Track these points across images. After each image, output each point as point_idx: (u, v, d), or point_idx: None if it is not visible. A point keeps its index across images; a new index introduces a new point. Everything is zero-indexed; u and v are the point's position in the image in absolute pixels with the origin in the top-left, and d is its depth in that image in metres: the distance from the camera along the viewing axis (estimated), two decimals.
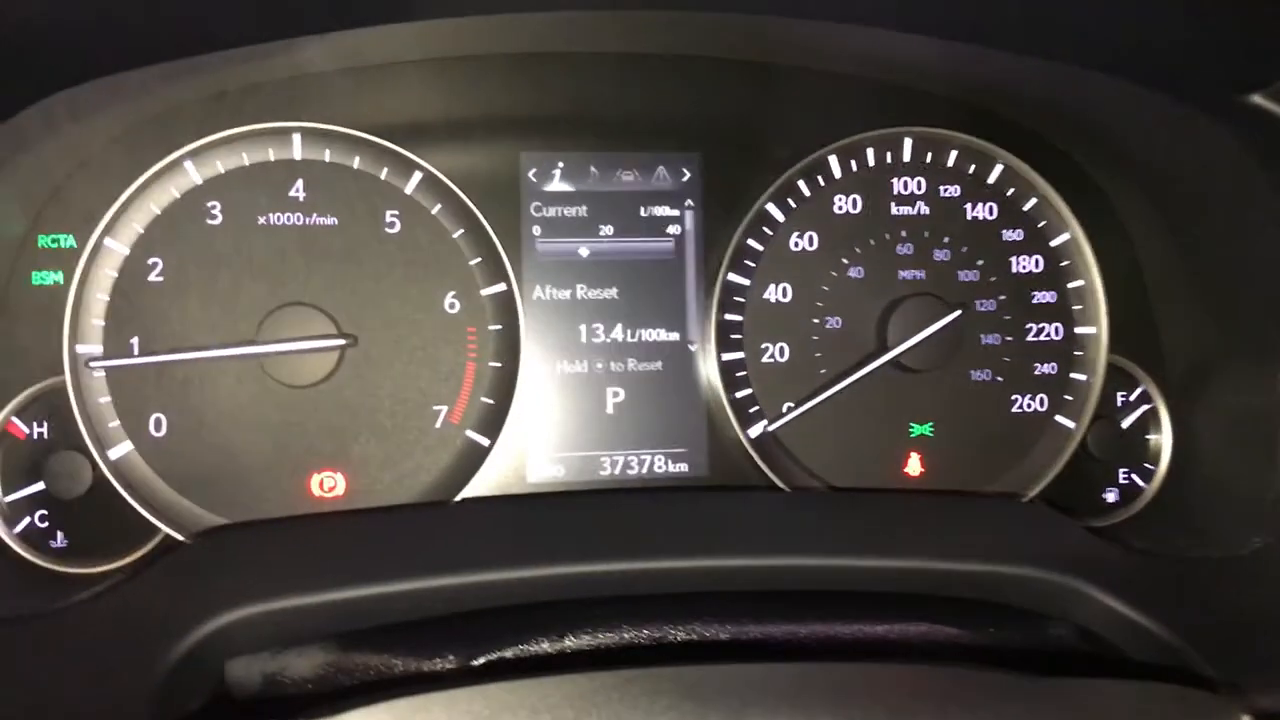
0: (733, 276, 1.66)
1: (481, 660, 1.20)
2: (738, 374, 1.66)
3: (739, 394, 1.66)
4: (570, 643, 1.23)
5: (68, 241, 1.53)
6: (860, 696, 0.97)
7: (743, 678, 0.98)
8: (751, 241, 1.67)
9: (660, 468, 1.67)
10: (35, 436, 1.52)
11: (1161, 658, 1.18)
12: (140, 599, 1.23)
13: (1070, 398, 1.73)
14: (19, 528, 1.51)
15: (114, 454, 1.52)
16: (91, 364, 1.50)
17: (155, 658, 1.08)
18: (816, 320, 1.68)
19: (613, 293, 1.66)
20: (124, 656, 1.11)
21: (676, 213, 1.68)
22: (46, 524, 1.52)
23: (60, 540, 1.53)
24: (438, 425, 1.60)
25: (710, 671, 0.99)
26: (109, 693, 1.05)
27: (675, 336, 1.68)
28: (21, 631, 1.19)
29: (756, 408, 1.67)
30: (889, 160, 1.71)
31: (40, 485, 1.51)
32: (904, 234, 1.69)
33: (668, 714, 0.90)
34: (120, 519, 1.52)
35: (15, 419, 1.51)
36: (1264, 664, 1.14)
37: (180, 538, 1.52)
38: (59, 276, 1.52)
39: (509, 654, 1.21)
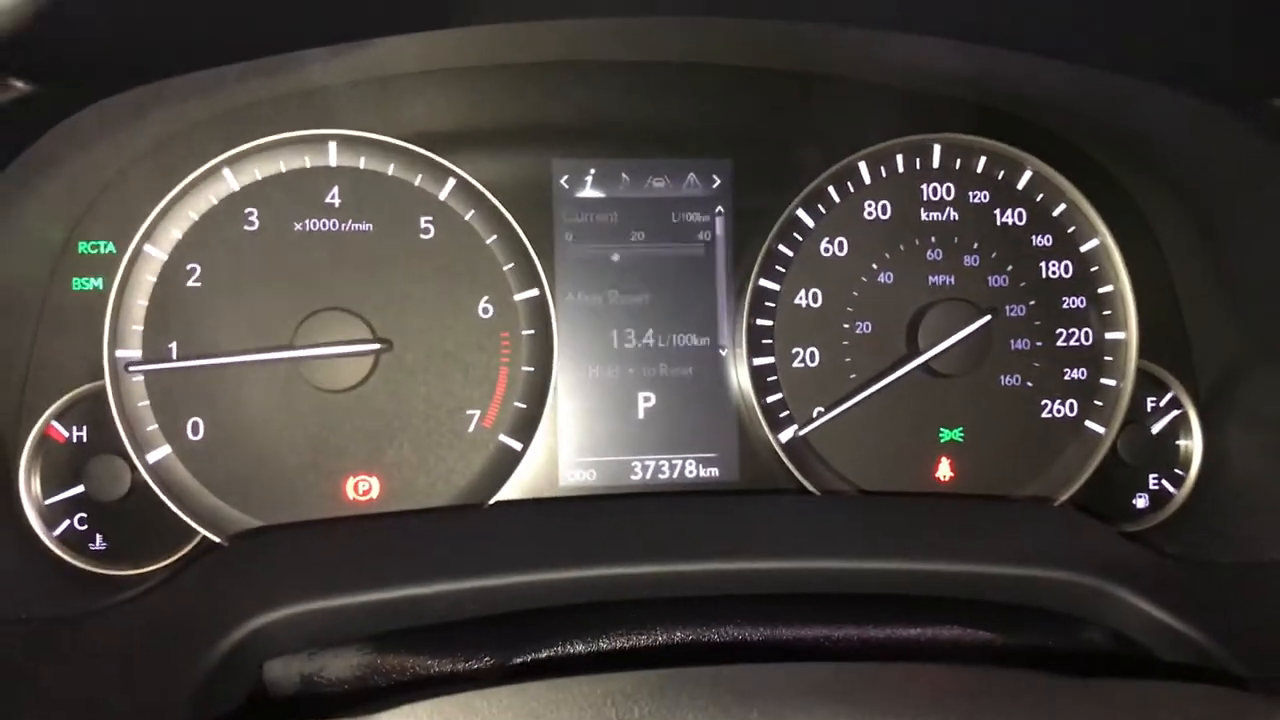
0: (764, 282, 1.67)
1: (517, 661, 1.22)
2: (769, 379, 1.67)
3: (770, 399, 1.67)
4: (605, 644, 1.25)
5: (108, 248, 1.55)
6: (896, 694, 0.97)
7: (781, 676, 0.98)
8: (782, 247, 1.68)
9: (691, 472, 1.68)
10: (75, 440, 1.54)
11: (1194, 661, 1.18)
12: (179, 600, 1.25)
13: (1100, 403, 1.72)
14: (59, 530, 1.53)
15: (152, 457, 1.54)
16: (131, 368, 1.52)
17: (194, 658, 1.10)
18: (847, 325, 1.68)
19: (644, 298, 1.67)
20: (163, 657, 1.12)
21: (707, 218, 1.69)
22: (86, 526, 1.54)
23: (100, 543, 1.55)
24: (471, 429, 1.61)
25: (749, 670, 0.99)
26: (148, 693, 1.07)
27: (706, 341, 1.69)
28: (62, 632, 1.21)
29: (787, 412, 1.67)
30: (918, 166, 1.71)
31: (80, 488, 1.53)
32: (933, 239, 1.70)
33: (707, 710, 0.89)
34: (158, 522, 1.53)
35: (55, 423, 1.53)
36: None
37: (217, 540, 1.53)
38: (99, 282, 1.55)
39: (544, 655, 1.23)
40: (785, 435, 1.67)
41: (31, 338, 1.53)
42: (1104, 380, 1.73)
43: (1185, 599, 1.23)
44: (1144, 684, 1.03)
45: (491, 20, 1.43)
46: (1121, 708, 0.98)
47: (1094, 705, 0.97)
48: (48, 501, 1.53)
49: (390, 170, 1.60)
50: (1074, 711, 0.96)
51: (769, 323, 1.67)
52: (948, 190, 1.71)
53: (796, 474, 1.65)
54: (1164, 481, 1.76)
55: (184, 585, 1.28)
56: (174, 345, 1.54)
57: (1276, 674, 1.11)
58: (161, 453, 1.54)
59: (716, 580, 1.27)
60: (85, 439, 1.55)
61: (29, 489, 1.52)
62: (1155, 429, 1.75)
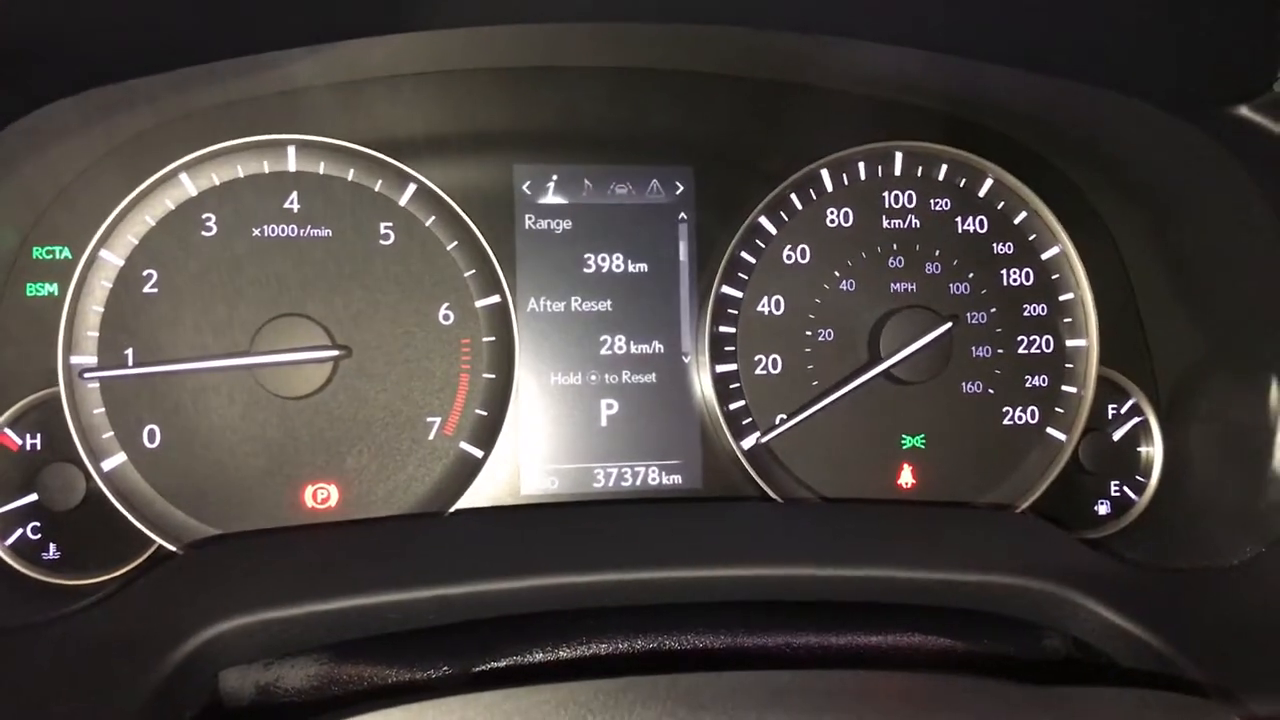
0: (726, 289, 1.67)
1: (475, 670, 1.21)
2: (731, 385, 1.67)
3: (732, 406, 1.67)
4: (564, 653, 1.24)
5: (63, 253, 1.53)
6: (855, 702, 0.97)
7: (738, 684, 0.98)
8: (745, 254, 1.68)
9: (654, 480, 1.67)
10: (28, 448, 1.53)
11: (1154, 667, 1.18)
12: (131, 610, 1.23)
13: (1061, 410, 1.74)
14: (11, 540, 1.51)
15: (107, 465, 1.52)
16: (86, 375, 1.50)
17: (147, 668, 1.08)
18: (809, 332, 1.69)
19: (606, 305, 1.67)
20: (116, 667, 1.10)
21: (670, 226, 1.69)
22: (39, 536, 1.52)
23: (53, 552, 1.53)
24: (431, 437, 1.60)
25: (705, 678, 0.99)
26: (101, 704, 1.05)
27: (669, 349, 1.69)
28: (13, 642, 1.19)
29: (750, 419, 1.68)
30: (880, 174, 1.72)
31: (33, 497, 1.51)
32: (895, 247, 1.71)
33: (661, 718, 0.90)
34: (113, 530, 1.52)
35: (8, 430, 1.52)
36: (1256, 671, 1.15)
37: (173, 549, 1.52)
38: (54, 288, 1.53)
39: (502, 664, 1.22)
40: (748, 442, 1.67)
41: None
42: (1065, 387, 1.74)
43: (1144, 605, 1.23)
44: (1102, 690, 1.04)
45: (454, 25, 1.44)
46: (1079, 714, 0.98)
47: (1052, 711, 0.98)
48: (0, 510, 1.51)
49: (350, 175, 1.59)
50: (1032, 717, 0.96)
51: (732, 330, 1.68)
52: (909, 198, 1.72)
53: (759, 481, 1.65)
54: (1125, 488, 1.77)
55: (137, 594, 1.27)
56: (130, 352, 1.53)
57: (1234, 680, 1.11)
58: (117, 461, 1.53)
59: (678, 588, 1.27)
60: (39, 447, 1.53)
61: None
62: (1116, 436, 1.76)
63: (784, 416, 1.66)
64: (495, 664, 1.22)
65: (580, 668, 1.22)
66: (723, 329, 1.68)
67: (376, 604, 1.19)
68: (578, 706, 0.92)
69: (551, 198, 1.67)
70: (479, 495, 1.61)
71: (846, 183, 1.71)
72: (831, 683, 1.03)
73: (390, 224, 1.60)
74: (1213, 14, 1.20)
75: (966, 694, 1.01)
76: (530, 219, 1.66)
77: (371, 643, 1.22)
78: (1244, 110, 1.30)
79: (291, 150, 1.58)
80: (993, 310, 1.72)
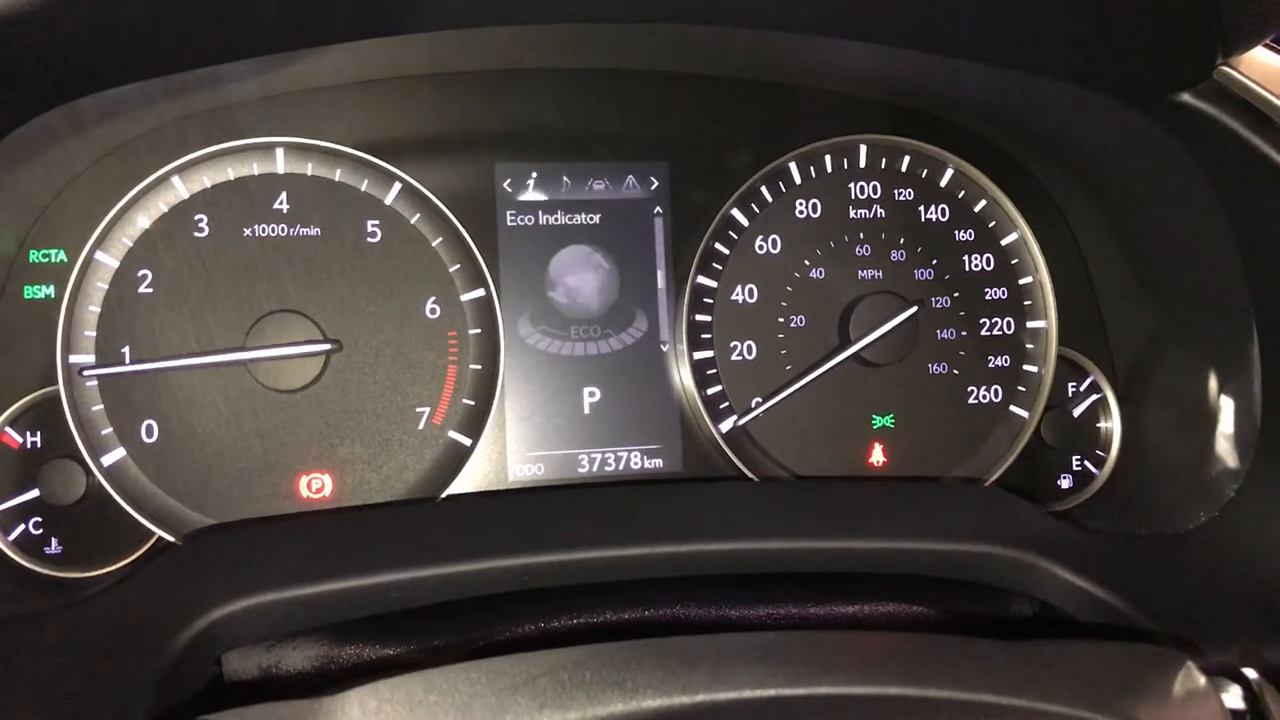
0: (701, 279, 1.73)
1: (472, 645, 1.25)
2: (708, 372, 1.73)
3: (710, 391, 1.73)
4: (557, 626, 1.28)
5: (59, 256, 1.57)
6: (836, 655, 1.01)
7: (725, 645, 1.03)
8: (718, 245, 1.74)
9: (636, 464, 1.73)
10: (29, 445, 1.55)
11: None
12: (136, 597, 1.25)
13: (1023, 389, 1.81)
14: (14, 535, 1.54)
15: (107, 460, 1.56)
16: (85, 373, 1.54)
17: (154, 653, 1.10)
18: (782, 319, 1.75)
19: (587, 296, 1.72)
20: (123, 653, 1.12)
21: (646, 219, 1.75)
22: (41, 531, 1.55)
23: (55, 546, 1.56)
24: (421, 427, 1.65)
25: (696, 639, 1.03)
26: (108, 688, 1.07)
27: (648, 337, 1.74)
28: (20, 632, 1.21)
29: (727, 404, 1.73)
30: (846, 166, 1.78)
31: (35, 493, 1.54)
32: (862, 236, 1.77)
33: (654, 672, 0.93)
34: (114, 524, 1.55)
35: (9, 429, 1.55)
36: (1211, 625, 1.20)
37: (173, 541, 1.55)
38: (50, 290, 1.56)
39: (497, 638, 1.26)
40: (725, 425, 1.72)
41: None
42: (1026, 367, 1.81)
43: (1107, 569, 1.28)
44: (1067, 642, 1.09)
45: (435, 29, 1.47)
46: (1046, 664, 1.03)
47: (1020, 663, 1.02)
48: (2, 506, 1.54)
49: (337, 176, 1.64)
50: (1001, 668, 1.01)
51: (708, 318, 1.73)
52: (874, 189, 1.78)
53: (737, 462, 1.71)
54: (1086, 462, 1.84)
55: (141, 582, 1.29)
56: (127, 350, 1.56)
57: (1192, 632, 1.16)
58: (116, 456, 1.56)
59: (662, 563, 1.31)
60: (39, 444, 1.56)
61: None
62: (1076, 412, 1.83)
63: (759, 400, 1.73)
64: (490, 639, 1.26)
65: (573, 640, 1.26)
66: (699, 317, 1.73)
67: (375, 584, 1.22)
68: (575, 666, 0.95)
69: (532, 194, 1.72)
70: (468, 481, 1.66)
71: (814, 175, 1.77)
72: (815, 640, 1.08)
73: (377, 222, 1.64)
74: (1157, 1, 1.23)
75: (939, 648, 1.05)
76: (512, 215, 1.71)
77: (370, 622, 1.24)
78: (1187, 97, 1.34)
79: (280, 152, 1.62)
80: (956, 294, 1.79)
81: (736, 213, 1.74)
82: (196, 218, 1.59)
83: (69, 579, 1.55)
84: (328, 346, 1.58)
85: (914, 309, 1.72)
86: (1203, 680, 0.97)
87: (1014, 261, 1.81)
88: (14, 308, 1.56)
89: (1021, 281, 1.81)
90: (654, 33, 1.62)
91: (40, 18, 1.06)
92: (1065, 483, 1.84)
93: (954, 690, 0.91)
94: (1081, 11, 1.30)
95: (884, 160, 1.79)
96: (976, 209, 1.81)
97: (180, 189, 1.59)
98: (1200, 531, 1.52)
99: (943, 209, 1.80)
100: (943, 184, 1.80)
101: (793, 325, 1.75)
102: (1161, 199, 1.62)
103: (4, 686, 1.10)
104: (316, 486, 1.61)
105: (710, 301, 1.73)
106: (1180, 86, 1.34)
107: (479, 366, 1.67)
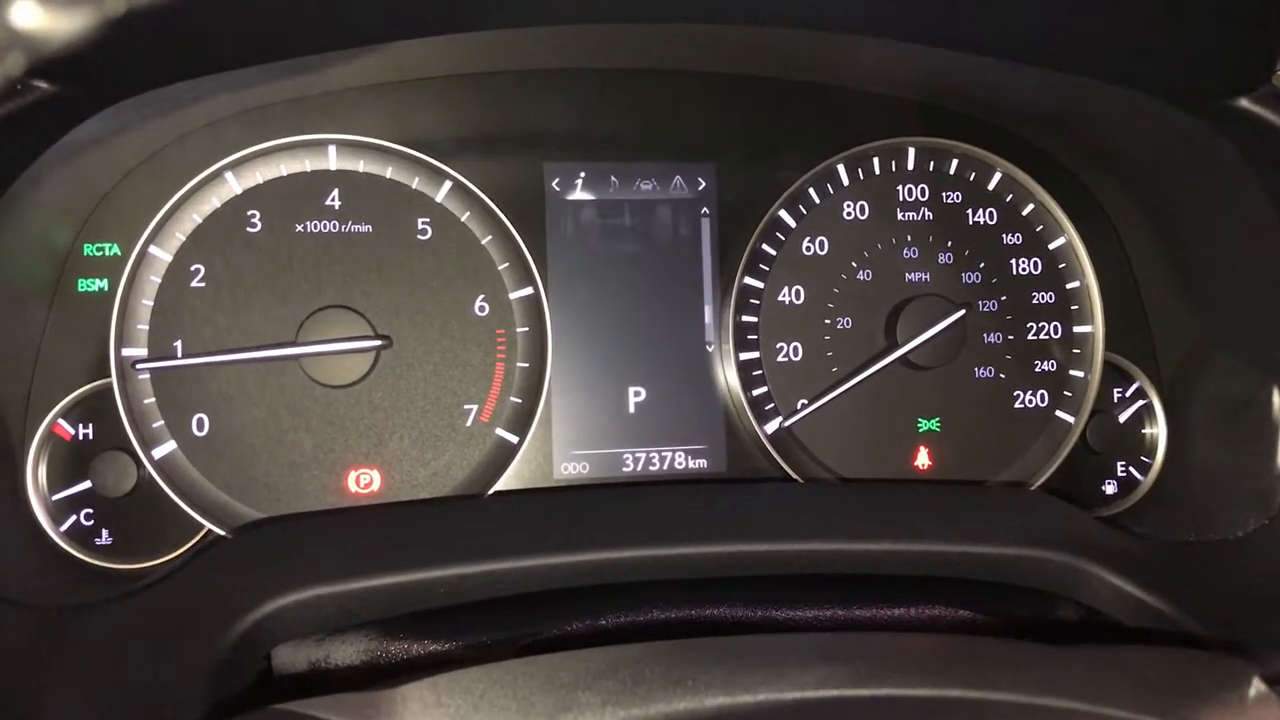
0: (748, 280, 1.73)
1: (520, 642, 1.26)
2: (754, 373, 1.73)
3: (755, 392, 1.73)
4: (605, 624, 1.29)
5: (113, 250, 1.58)
6: (891, 657, 1.02)
7: (784, 645, 1.03)
8: (765, 246, 1.74)
9: (680, 464, 1.73)
10: (81, 437, 1.57)
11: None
12: (190, 589, 1.27)
13: (1069, 394, 1.80)
14: (65, 525, 1.56)
15: (158, 453, 1.57)
16: (138, 366, 1.55)
17: (205, 645, 1.11)
18: (828, 321, 1.75)
19: (634, 295, 1.73)
20: (175, 644, 1.14)
21: (693, 219, 1.75)
22: (92, 522, 1.57)
23: (106, 537, 1.57)
24: (468, 424, 1.65)
25: (749, 639, 1.05)
26: (160, 680, 1.09)
27: (694, 338, 1.74)
28: (74, 621, 1.23)
29: (772, 405, 1.73)
30: (894, 168, 1.78)
31: (86, 484, 1.56)
32: (909, 238, 1.77)
33: (712, 670, 0.93)
34: (164, 516, 1.57)
35: (62, 420, 1.56)
36: (1262, 633, 1.19)
37: (223, 533, 1.56)
38: (104, 284, 1.58)
39: (545, 635, 1.27)
40: (770, 427, 1.73)
41: (38, 338, 1.56)
42: (1073, 372, 1.80)
43: (1154, 575, 1.28)
44: (1122, 647, 1.08)
45: (493, 26, 1.48)
46: (1106, 669, 1.03)
47: (1079, 666, 1.02)
48: (54, 497, 1.56)
49: (388, 173, 1.65)
50: (1060, 672, 1.01)
51: (754, 319, 1.74)
52: (922, 191, 1.78)
53: (781, 463, 1.71)
54: (1131, 469, 1.83)
55: (193, 574, 1.31)
56: (179, 344, 1.58)
57: (1244, 640, 1.16)
58: (167, 449, 1.57)
59: (707, 564, 1.31)
60: (91, 436, 1.58)
61: (36, 485, 1.55)
62: (1122, 418, 1.82)
63: (805, 401, 1.73)
64: (539, 636, 1.26)
65: (622, 639, 1.27)
66: (745, 318, 1.73)
67: (425, 580, 1.23)
68: (633, 664, 0.95)
69: (580, 194, 1.73)
70: (514, 479, 1.67)
71: (862, 177, 1.77)
72: (868, 642, 1.08)
73: (427, 219, 1.65)
74: (1212, 6, 1.23)
75: (1004, 653, 1.05)
76: (560, 214, 1.72)
77: (418, 618, 1.25)
78: (1244, 102, 1.33)
79: (332, 150, 1.63)
80: (1003, 298, 1.78)
81: (784, 214, 1.75)
82: (249, 213, 1.60)
83: (119, 570, 1.57)
84: (378, 343, 1.60)
85: (962, 312, 1.71)
86: (1264, 689, 0.97)
87: (1061, 266, 1.80)
88: (68, 301, 1.57)
89: (1069, 286, 1.80)
90: (701, 33, 1.62)
91: (116, 18, 1.07)
92: (1110, 488, 1.83)
93: (1016, 693, 0.92)
94: (1138, 16, 1.30)
95: (932, 163, 1.79)
96: (1024, 212, 1.80)
97: (233, 184, 1.60)
98: (1251, 539, 1.51)
99: (990, 212, 1.79)
100: (991, 187, 1.80)
101: (839, 327, 1.75)
102: (1211, 203, 1.61)
103: (59, 675, 1.12)
104: (365, 482, 1.62)
105: (757, 302, 1.74)
106: (1238, 91, 1.33)
107: (526, 364, 1.68)
